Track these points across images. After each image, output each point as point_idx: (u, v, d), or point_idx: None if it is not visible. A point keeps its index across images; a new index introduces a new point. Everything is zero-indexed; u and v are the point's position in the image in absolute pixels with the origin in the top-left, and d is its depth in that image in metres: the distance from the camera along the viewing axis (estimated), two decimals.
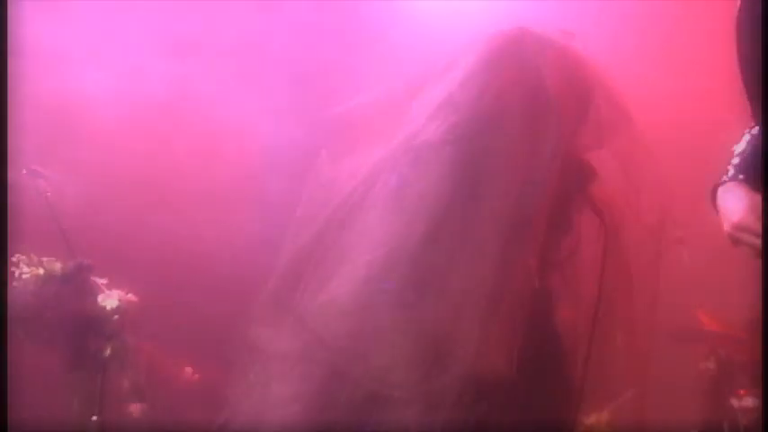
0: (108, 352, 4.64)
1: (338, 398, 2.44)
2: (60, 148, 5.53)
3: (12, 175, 4.00)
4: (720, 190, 2.60)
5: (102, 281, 4.76)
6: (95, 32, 6.10)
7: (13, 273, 4.50)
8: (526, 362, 2.40)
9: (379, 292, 2.42)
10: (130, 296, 4.81)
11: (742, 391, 5.22)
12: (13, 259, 4.52)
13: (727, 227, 2.53)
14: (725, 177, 2.62)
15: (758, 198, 2.49)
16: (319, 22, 6.57)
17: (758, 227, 2.44)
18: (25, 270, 4.55)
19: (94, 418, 4.53)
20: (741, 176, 2.59)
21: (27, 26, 4.65)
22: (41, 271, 4.64)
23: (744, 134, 2.66)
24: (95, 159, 5.92)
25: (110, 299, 4.70)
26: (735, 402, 5.20)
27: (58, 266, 4.70)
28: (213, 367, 5.75)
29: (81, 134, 5.95)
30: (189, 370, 5.87)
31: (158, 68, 6.19)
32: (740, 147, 2.66)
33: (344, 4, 6.60)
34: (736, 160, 2.65)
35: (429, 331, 2.40)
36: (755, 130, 2.62)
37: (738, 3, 2.58)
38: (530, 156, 2.51)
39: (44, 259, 4.68)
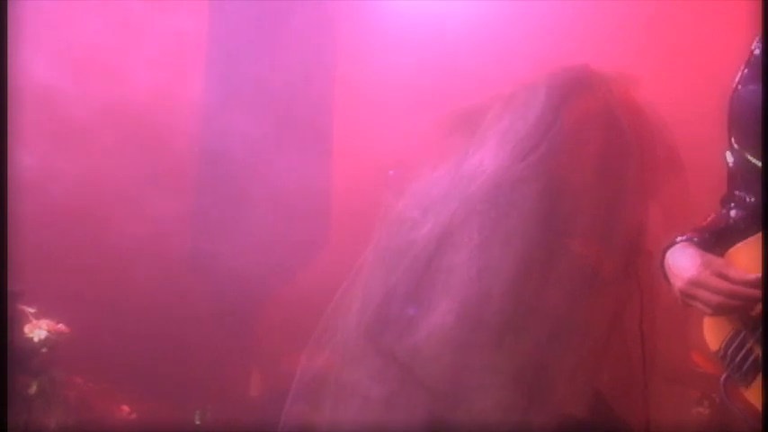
0: (34, 389, 4.56)
1: None
2: None
3: None
4: (669, 252, 2.67)
5: (30, 309, 4.63)
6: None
7: None
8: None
9: (471, 333, 2.51)
10: (61, 326, 4.70)
11: None
12: None
13: (680, 284, 2.56)
14: (679, 239, 2.68)
15: (710, 256, 2.55)
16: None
17: (714, 282, 2.49)
18: None
19: None
20: (696, 239, 2.65)
21: None
22: None
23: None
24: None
25: (38, 329, 4.61)
26: None
27: None
28: (152, 406, 5.58)
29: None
30: (125, 409, 5.54)
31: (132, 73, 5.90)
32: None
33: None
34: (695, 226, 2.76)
35: (521, 372, 2.51)
36: (730, 210, 2.68)
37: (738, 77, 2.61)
38: (613, 193, 2.58)
39: None
